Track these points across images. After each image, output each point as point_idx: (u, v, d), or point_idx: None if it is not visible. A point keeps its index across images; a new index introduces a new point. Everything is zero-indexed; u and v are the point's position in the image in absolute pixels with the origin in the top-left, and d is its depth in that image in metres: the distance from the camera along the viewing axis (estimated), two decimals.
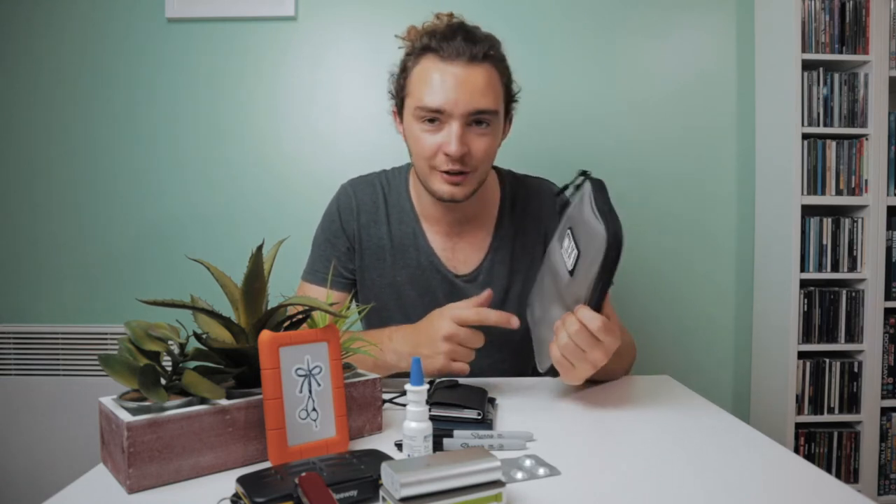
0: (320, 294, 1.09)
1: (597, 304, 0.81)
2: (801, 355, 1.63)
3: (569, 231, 0.89)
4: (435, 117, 0.98)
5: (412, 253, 1.11)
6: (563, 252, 0.88)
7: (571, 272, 0.85)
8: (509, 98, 1.06)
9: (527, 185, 1.18)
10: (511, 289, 1.12)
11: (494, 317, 0.88)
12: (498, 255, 1.12)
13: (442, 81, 0.97)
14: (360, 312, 0.85)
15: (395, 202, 1.14)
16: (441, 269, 1.11)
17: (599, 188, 0.87)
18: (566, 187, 0.96)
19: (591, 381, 0.98)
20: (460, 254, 1.12)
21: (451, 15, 1.06)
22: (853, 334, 1.64)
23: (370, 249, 1.12)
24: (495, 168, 1.19)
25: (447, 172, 1.00)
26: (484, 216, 1.14)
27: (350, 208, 1.13)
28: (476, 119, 0.99)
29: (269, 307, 0.70)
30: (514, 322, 0.88)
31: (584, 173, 0.92)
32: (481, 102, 0.97)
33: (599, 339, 0.79)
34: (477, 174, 1.03)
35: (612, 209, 0.83)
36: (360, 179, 1.17)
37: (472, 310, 0.88)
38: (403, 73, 1.04)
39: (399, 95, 1.06)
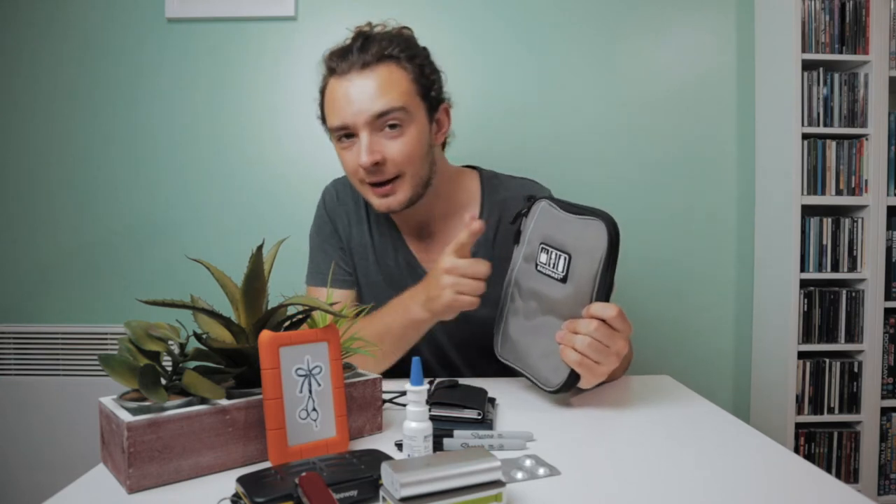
0: (332, 295, 1.09)
1: (606, 296, 0.81)
2: (801, 355, 1.63)
3: (542, 246, 0.88)
4: (346, 133, 0.99)
5: (391, 252, 1.12)
6: (545, 266, 0.87)
7: (564, 279, 0.84)
8: (427, 89, 1.02)
9: (508, 185, 1.14)
10: (489, 296, 1.10)
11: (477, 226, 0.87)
12: (478, 256, 1.07)
13: (341, 97, 0.97)
14: (359, 313, 0.85)
15: None
16: (418, 269, 1.10)
17: (555, 200, 0.89)
18: (518, 216, 0.95)
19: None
20: (434, 254, 1.09)
21: (369, 24, 1.04)
22: (853, 334, 1.64)
23: (357, 248, 1.13)
24: (476, 168, 1.17)
25: (373, 185, 1.00)
26: (459, 215, 1.09)
27: (335, 209, 1.15)
28: (385, 122, 0.97)
29: (269, 307, 0.70)
30: (476, 225, 0.87)
31: (530, 198, 0.94)
32: (378, 104, 0.96)
33: (618, 328, 0.79)
34: (407, 177, 1.00)
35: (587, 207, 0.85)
36: (342, 180, 1.17)
37: (461, 235, 0.88)
38: (320, 102, 1.05)
39: (324, 124, 1.06)
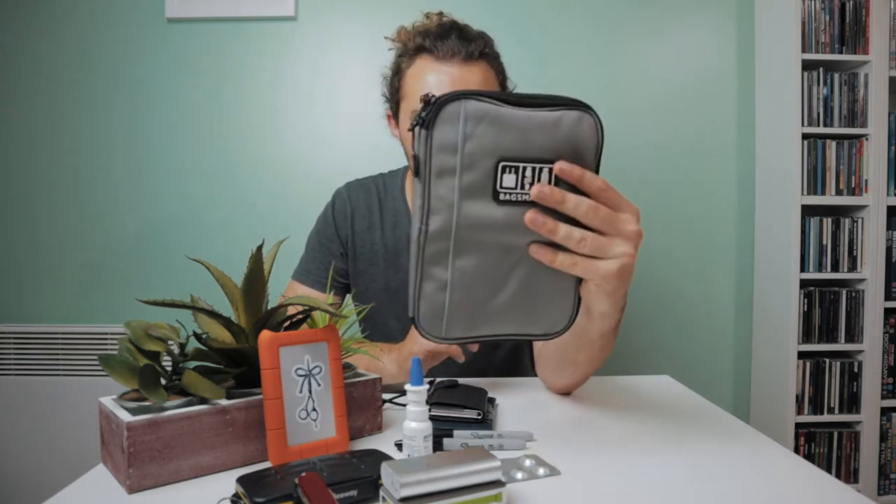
0: (310, 294, 1.09)
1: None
2: (801, 355, 1.63)
3: (502, 165, 0.57)
4: None
5: (406, 257, 1.11)
6: (513, 192, 0.57)
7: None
8: None
9: None
10: None
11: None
12: None
13: (438, 82, 0.95)
14: (357, 314, 0.85)
15: (391, 206, 1.13)
16: None
17: (486, 94, 0.57)
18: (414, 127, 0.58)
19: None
20: None
21: (440, 14, 1.03)
22: (853, 334, 1.64)
23: (364, 255, 1.12)
24: None
25: None
26: None
27: (345, 214, 1.13)
28: None
29: (269, 307, 0.70)
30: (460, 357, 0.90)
31: (429, 99, 0.56)
32: None
33: (615, 202, 0.59)
34: None
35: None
36: (357, 183, 1.16)
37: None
38: (397, 75, 1.01)
39: (394, 98, 1.03)
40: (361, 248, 1.12)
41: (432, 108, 0.56)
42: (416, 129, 0.57)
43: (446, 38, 0.96)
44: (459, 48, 0.95)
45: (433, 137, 0.57)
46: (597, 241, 0.57)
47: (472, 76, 0.95)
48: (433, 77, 0.95)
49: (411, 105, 0.98)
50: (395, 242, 1.11)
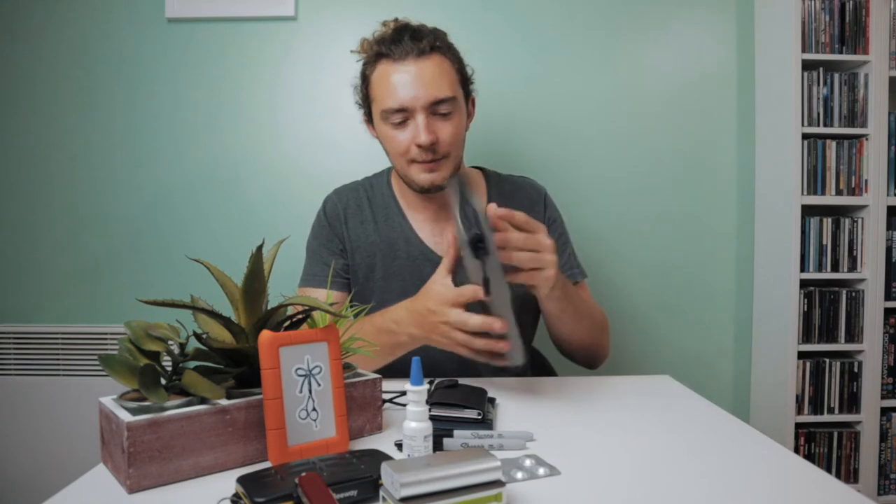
0: (320, 296, 1.10)
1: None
2: (801, 355, 1.63)
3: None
4: (400, 116, 1.05)
5: (401, 245, 1.16)
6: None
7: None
8: (465, 82, 1.12)
9: (511, 181, 1.26)
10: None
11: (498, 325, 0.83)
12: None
13: (399, 81, 1.04)
14: (356, 315, 0.84)
15: (380, 202, 1.20)
16: (432, 257, 1.14)
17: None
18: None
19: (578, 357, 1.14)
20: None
21: (396, 20, 1.13)
22: (853, 334, 1.64)
23: (360, 249, 1.17)
24: (479, 168, 1.26)
25: (423, 162, 1.07)
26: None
27: (337, 214, 1.19)
28: (438, 108, 1.05)
29: (269, 307, 0.70)
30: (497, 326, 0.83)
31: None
32: (438, 92, 1.04)
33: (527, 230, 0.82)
34: (450, 158, 1.09)
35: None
36: (343, 187, 1.24)
37: (460, 292, 0.84)
38: (364, 81, 1.11)
39: (366, 103, 1.13)
40: (357, 242, 1.17)
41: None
42: (483, 257, 0.82)
43: (399, 40, 1.05)
44: (412, 47, 1.04)
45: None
46: (533, 258, 0.83)
47: (428, 69, 1.04)
48: (394, 77, 1.04)
49: (380, 106, 1.07)
50: (388, 232, 1.17)
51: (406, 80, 1.03)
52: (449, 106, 1.06)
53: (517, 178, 1.27)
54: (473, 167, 1.26)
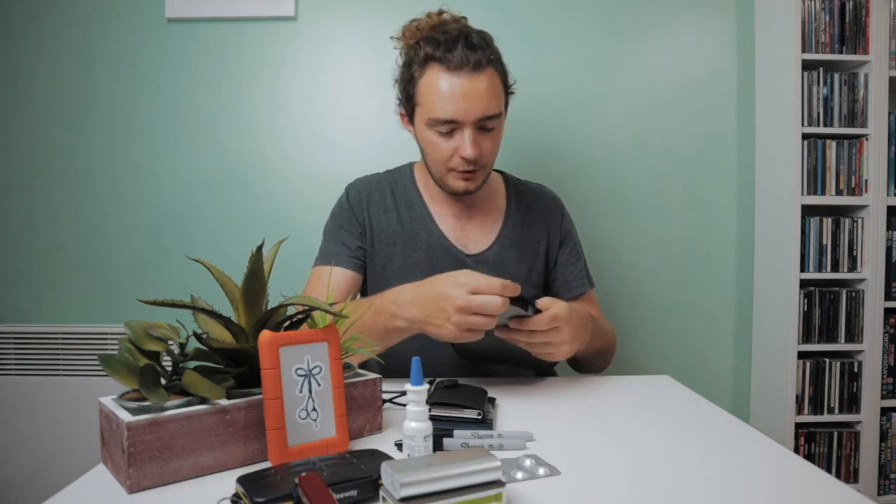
0: (334, 274, 1.11)
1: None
2: (801, 355, 1.63)
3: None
4: (448, 127, 1.05)
5: (423, 236, 1.16)
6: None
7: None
8: (507, 94, 1.13)
9: (528, 186, 1.28)
10: (518, 276, 1.17)
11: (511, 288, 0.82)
12: (507, 241, 1.18)
13: (451, 93, 1.02)
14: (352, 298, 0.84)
15: (403, 193, 1.20)
16: (451, 251, 1.15)
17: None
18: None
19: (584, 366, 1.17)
20: (471, 233, 1.18)
21: (440, 13, 1.12)
22: (853, 334, 1.64)
23: (381, 236, 1.17)
24: (499, 171, 1.27)
25: (462, 171, 1.08)
26: (491, 201, 1.21)
27: (360, 199, 1.19)
28: (485, 123, 1.05)
29: (269, 307, 0.70)
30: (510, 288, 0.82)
31: None
32: (489, 108, 1.04)
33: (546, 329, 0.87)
34: (487, 168, 1.12)
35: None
36: (366, 177, 1.24)
37: (488, 280, 0.82)
38: (411, 81, 1.08)
39: (409, 103, 1.11)
40: (378, 228, 1.17)
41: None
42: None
43: (454, 47, 1.03)
44: (468, 58, 1.02)
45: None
46: (546, 346, 0.89)
47: (481, 84, 1.03)
48: (446, 88, 1.03)
49: (426, 113, 1.06)
50: (410, 223, 1.17)
51: (458, 94, 1.02)
52: (495, 121, 1.07)
53: (534, 185, 1.28)
54: (494, 170, 1.26)
